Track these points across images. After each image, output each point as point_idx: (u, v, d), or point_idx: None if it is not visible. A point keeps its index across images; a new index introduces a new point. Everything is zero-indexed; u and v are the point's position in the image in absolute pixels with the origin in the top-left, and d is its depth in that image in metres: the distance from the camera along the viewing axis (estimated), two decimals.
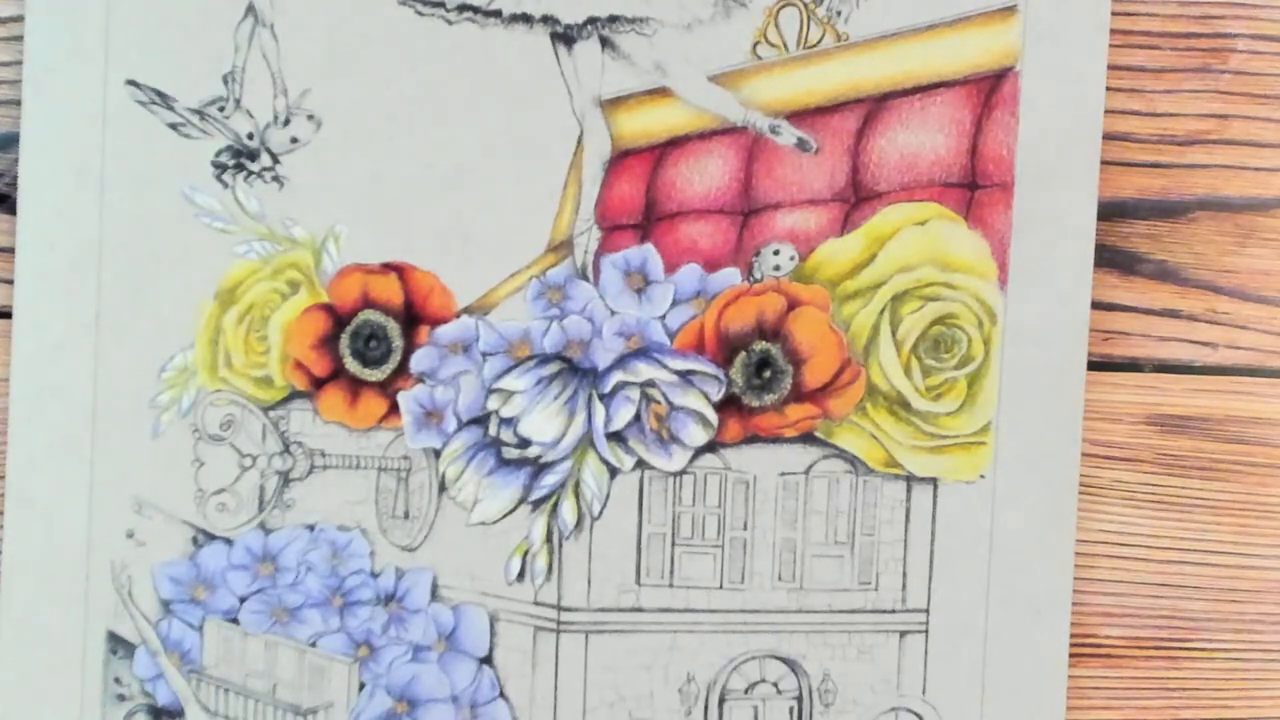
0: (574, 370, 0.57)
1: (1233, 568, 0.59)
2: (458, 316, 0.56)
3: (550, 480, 0.57)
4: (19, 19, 0.55)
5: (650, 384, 0.57)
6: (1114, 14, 0.57)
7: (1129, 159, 0.58)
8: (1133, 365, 0.59)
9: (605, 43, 0.56)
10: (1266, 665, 0.59)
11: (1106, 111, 0.58)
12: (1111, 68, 0.58)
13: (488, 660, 0.57)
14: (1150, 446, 0.59)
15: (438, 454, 0.56)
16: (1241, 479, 0.59)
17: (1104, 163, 0.58)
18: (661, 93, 0.56)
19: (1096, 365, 0.58)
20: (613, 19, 0.56)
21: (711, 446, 0.57)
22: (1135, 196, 0.58)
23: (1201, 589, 0.59)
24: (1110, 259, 0.59)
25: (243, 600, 0.56)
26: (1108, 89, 0.57)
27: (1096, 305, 0.58)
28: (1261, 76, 0.59)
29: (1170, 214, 0.59)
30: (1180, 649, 0.59)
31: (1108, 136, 0.58)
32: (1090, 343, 0.58)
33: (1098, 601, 0.59)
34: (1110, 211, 0.58)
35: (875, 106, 0.57)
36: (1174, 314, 0.59)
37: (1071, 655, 0.58)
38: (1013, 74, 0.57)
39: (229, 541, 0.56)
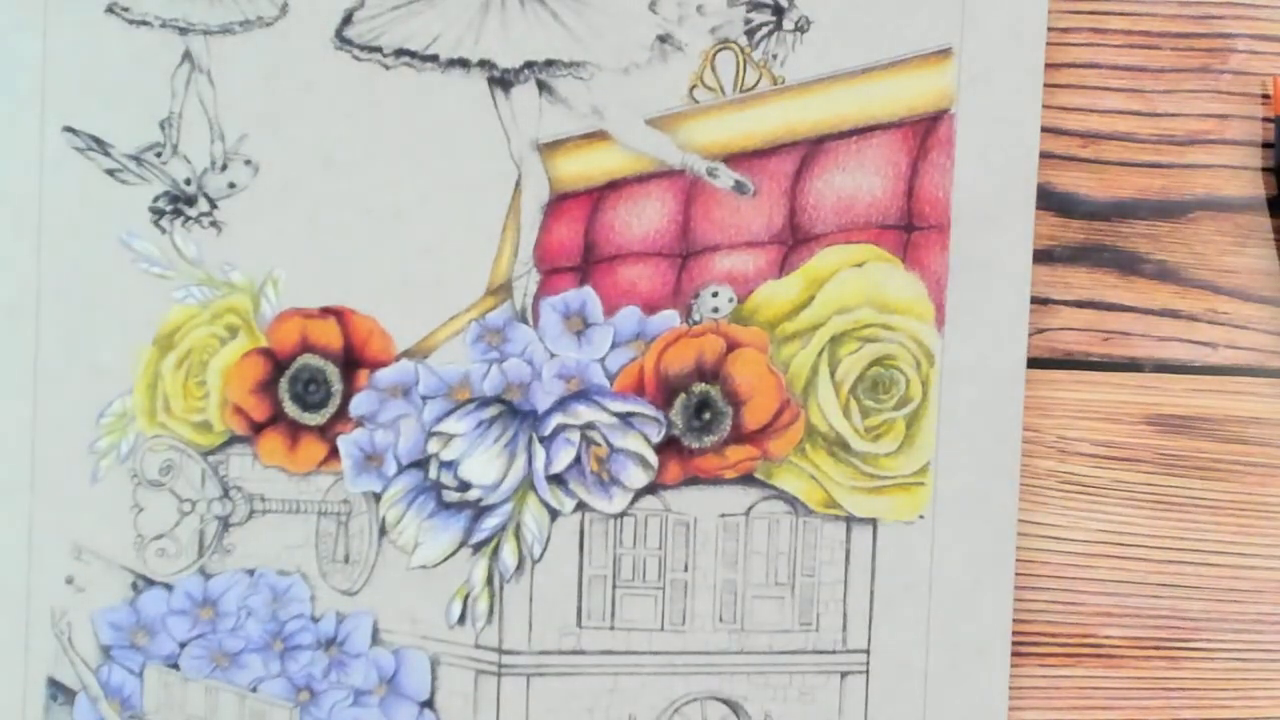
0: (514, 413, 0.57)
1: (1233, 568, 0.59)
2: (397, 360, 0.56)
3: (491, 523, 0.57)
4: None
5: (590, 426, 0.57)
6: (1114, 14, 0.58)
7: (1129, 159, 0.58)
8: (1133, 365, 0.59)
9: (542, 87, 0.56)
10: (1266, 665, 0.59)
11: (1107, 111, 0.58)
12: (1111, 68, 0.58)
13: (429, 704, 0.57)
14: (1150, 446, 0.59)
15: (378, 498, 0.56)
16: (1241, 479, 0.59)
17: (1104, 162, 0.58)
18: (599, 136, 0.56)
19: (1096, 365, 0.58)
20: (549, 63, 0.56)
21: (652, 488, 0.57)
22: (1135, 196, 0.58)
23: (1201, 589, 0.59)
24: (1110, 259, 0.59)
25: (183, 645, 0.56)
26: (1108, 89, 0.58)
27: (1096, 305, 0.58)
28: (1261, 76, 0.59)
29: (1170, 214, 0.59)
30: (1180, 649, 0.59)
31: (1108, 136, 0.58)
32: (1090, 343, 0.58)
33: (1098, 601, 0.59)
34: (1110, 211, 0.58)
35: (812, 149, 0.57)
36: (1174, 314, 0.59)
37: (1071, 655, 0.59)
38: (948, 116, 0.57)
39: (169, 587, 0.56)
